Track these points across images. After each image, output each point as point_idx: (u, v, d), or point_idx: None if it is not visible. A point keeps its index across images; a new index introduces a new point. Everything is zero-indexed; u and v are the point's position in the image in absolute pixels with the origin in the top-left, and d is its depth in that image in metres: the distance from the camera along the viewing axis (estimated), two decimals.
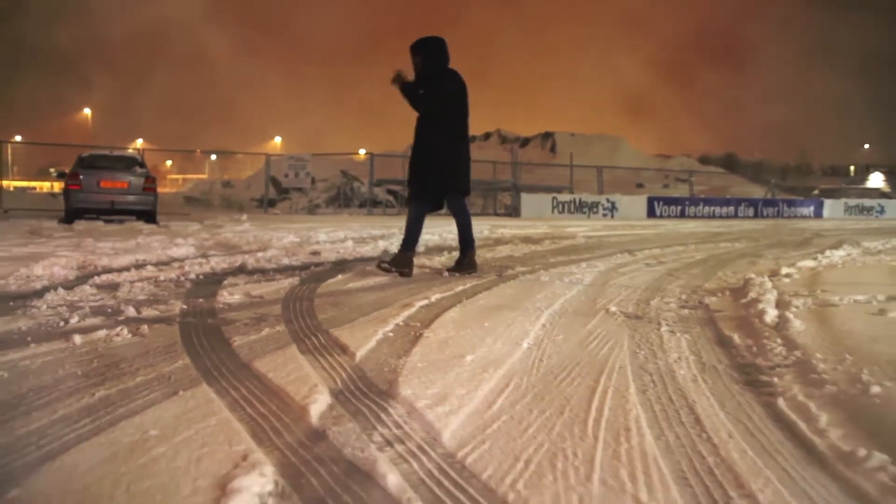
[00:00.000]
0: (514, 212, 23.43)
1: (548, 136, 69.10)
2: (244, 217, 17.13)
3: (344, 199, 27.45)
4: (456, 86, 5.86)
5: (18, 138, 40.46)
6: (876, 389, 2.38)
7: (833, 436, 2.05)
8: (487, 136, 72.75)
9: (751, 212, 27.63)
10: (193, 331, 3.29)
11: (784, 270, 6.07)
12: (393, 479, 1.60)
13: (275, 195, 26.87)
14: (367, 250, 8.08)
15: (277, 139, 65.72)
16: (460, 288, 5.01)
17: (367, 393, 2.31)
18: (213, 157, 58.47)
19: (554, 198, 23.57)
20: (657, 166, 59.67)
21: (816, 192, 40.59)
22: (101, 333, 3.11)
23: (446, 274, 5.84)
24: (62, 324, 3.36)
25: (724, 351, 3.20)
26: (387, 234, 10.67)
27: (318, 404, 2.13)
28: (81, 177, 14.25)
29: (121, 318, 3.54)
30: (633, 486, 1.65)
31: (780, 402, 2.38)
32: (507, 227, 14.10)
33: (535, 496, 1.57)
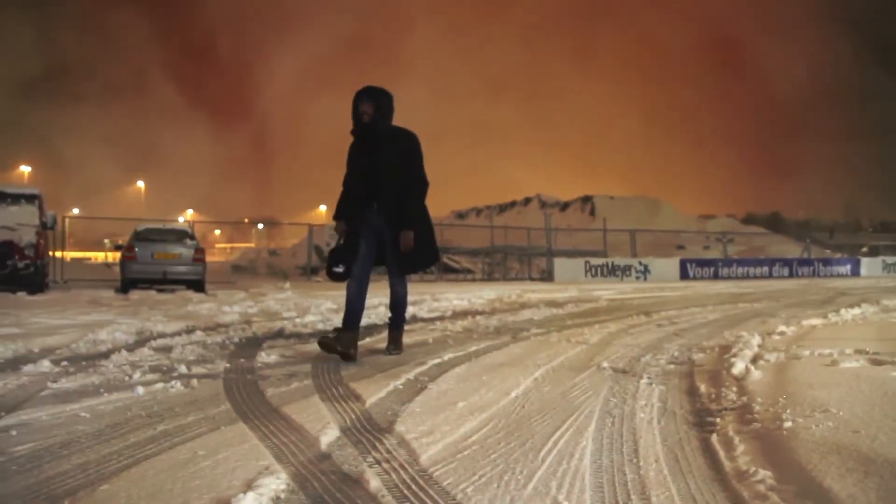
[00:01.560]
0: (548, 276, 23.97)
1: (587, 199, 69.68)
2: (287, 285, 17.94)
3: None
4: None
5: (76, 211, 42.44)
6: (788, 424, 2.88)
7: (741, 461, 2.54)
8: (527, 200, 73.49)
9: (786, 271, 27.70)
10: (234, 384, 3.91)
11: (780, 328, 6.51)
12: (374, 484, 2.17)
13: (317, 263, 27.76)
14: None
15: (322, 207, 67.51)
16: (473, 348, 5.56)
17: (368, 429, 2.89)
18: (260, 226, 60.30)
19: (587, 262, 24.08)
20: (699, 227, 59.49)
21: (865, 249, 40.29)
22: (159, 386, 3.76)
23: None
24: (127, 378, 4.01)
25: (688, 398, 3.69)
26: (419, 300, 11.27)
27: (328, 436, 2.72)
28: (136, 249, 15.26)
29: (174, 374, 4.18)
30: (556, 492, 2.19)
31: (714, 437, 2.89)
32: (537, 292, 14.61)
33: (478, 496, 2.11)
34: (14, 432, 2.80)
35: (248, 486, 2.07)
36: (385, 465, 2.38)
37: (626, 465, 2.50)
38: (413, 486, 2.18)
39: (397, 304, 5.56)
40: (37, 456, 2.47)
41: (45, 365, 4.43)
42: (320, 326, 7.30)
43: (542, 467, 2.43)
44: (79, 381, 3.92)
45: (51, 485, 2.15)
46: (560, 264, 24.00)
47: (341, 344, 4.97)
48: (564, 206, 69.46)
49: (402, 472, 2.31)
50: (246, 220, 60.92)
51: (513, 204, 73.89)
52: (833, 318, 8.01)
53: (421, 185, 5.38)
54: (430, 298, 11.58)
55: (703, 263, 26.46)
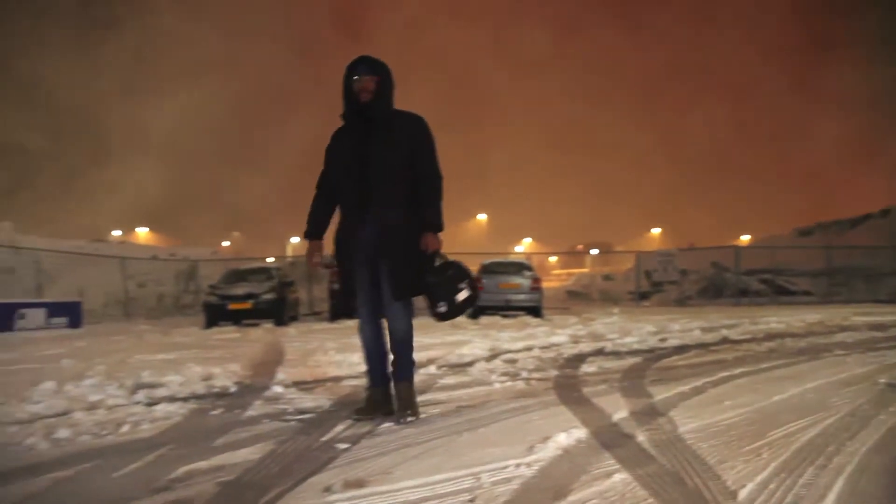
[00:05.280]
0: None
1: None
2: (615, 310, 19.28)
3: (714, 289, 28.23)
4: None
5: None
6: None
7: None
8: (885, 213, 65.40)
9: None
10: (560, 384, 5.41)
11: None
12: (641, 438, 3.47)
13: (647, 288, 28.62)
14: (709, 338, 9.56)
15: (655, 230, 67.53)
16: (765, 365, 6.42)
17: (649, 413, 4.16)
18: (594, 251, 62.22)
19: None
20: None
21: None
22: (509, 383, 5.40)
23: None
24: (487, 378, 5.72)
25: None
26: (737, 323, 11.88)
27: (619, 414, 4.06)
28: (484, 280, 17.73)
29: (519, 377, 5.81)
30: (764, 451, 3.26)
31: None
32: (868, 315, 14.12)
33: (709, 449, 3.29)
34: (428, 404, 4.60)
35: (562, 431, 3.50)
36: (652, 431, 3.66)
37: (833, 444, 3.43)
38: (666, 441, 3.43)
39: (396, 345, 4.24)
40: (442, 415, 4.19)
41: (433, 369, 6.35)
42: (636, 347, 8.53)
43: (764, 440, 3.50)
44: (456, 379, 5.72)
45: (455, 428, 3.81)
46: None
47: (366, 407, 4.20)
48: None
49: (661, 435, 3.57)
50: (580, 248, 63.45)
51: (867, 217, 66.45)
52: None
53: (435, 180, 4.17)
54: (747, 322, 12.12)
55: None
